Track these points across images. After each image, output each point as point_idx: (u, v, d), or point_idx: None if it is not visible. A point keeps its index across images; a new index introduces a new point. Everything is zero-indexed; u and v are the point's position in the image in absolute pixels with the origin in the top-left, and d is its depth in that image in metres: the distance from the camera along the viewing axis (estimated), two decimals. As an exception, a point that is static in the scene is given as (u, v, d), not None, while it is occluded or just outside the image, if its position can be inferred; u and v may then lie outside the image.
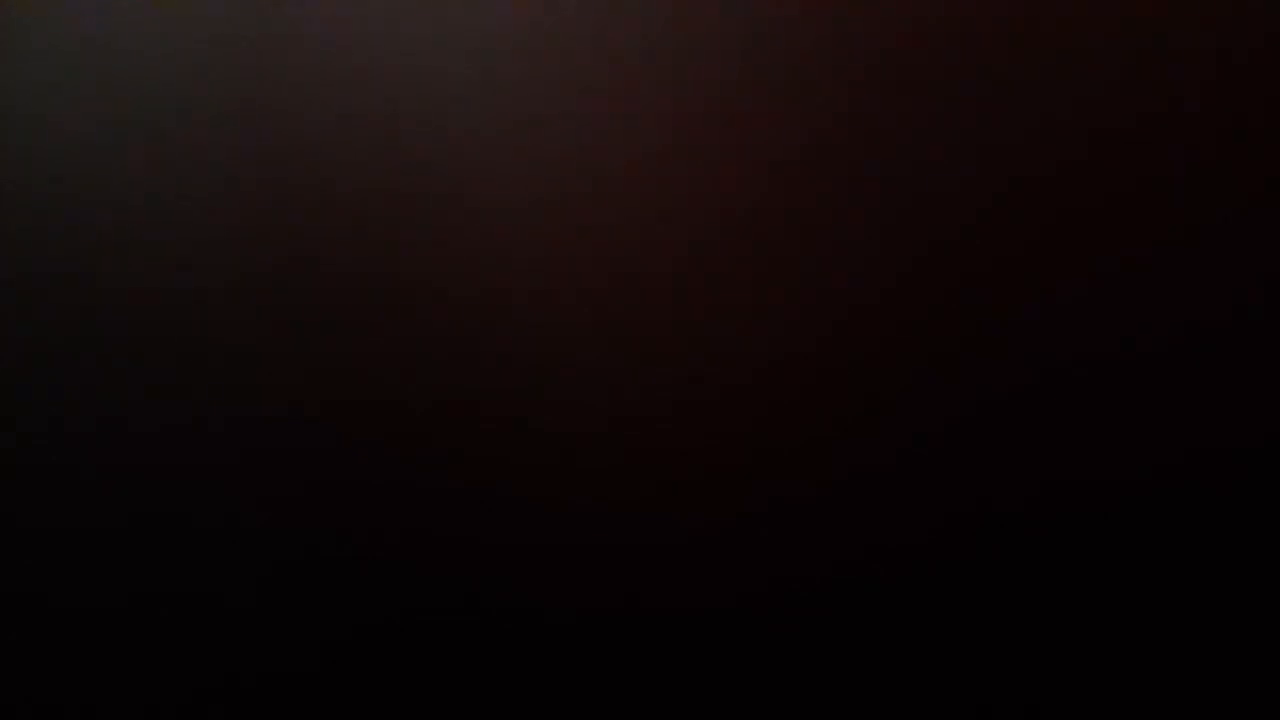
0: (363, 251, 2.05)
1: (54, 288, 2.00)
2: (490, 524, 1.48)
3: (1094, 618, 1.32)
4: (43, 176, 2.16)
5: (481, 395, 1.73)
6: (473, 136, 2.11)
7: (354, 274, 2.00)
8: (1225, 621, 1.31)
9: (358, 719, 1.21)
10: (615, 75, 2.04)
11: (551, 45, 1.96)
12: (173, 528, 1.50)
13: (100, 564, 1.46)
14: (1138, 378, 1.69)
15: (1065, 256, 1.80)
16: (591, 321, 1.88)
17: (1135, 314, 1.73)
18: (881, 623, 1.31)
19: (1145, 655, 1.26)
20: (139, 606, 1.37)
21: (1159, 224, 1.78)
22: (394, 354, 1.85)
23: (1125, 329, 1.73)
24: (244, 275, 1.96)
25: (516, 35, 2.00)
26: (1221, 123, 1.78)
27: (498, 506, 1.51)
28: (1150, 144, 1.82)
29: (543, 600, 1.35)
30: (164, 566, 1.44)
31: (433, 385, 1.77)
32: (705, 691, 1.23)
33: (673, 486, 1.54)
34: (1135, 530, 1.45)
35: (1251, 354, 1.68)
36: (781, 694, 1.25)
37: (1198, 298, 1.74)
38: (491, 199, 2.12)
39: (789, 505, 1.50)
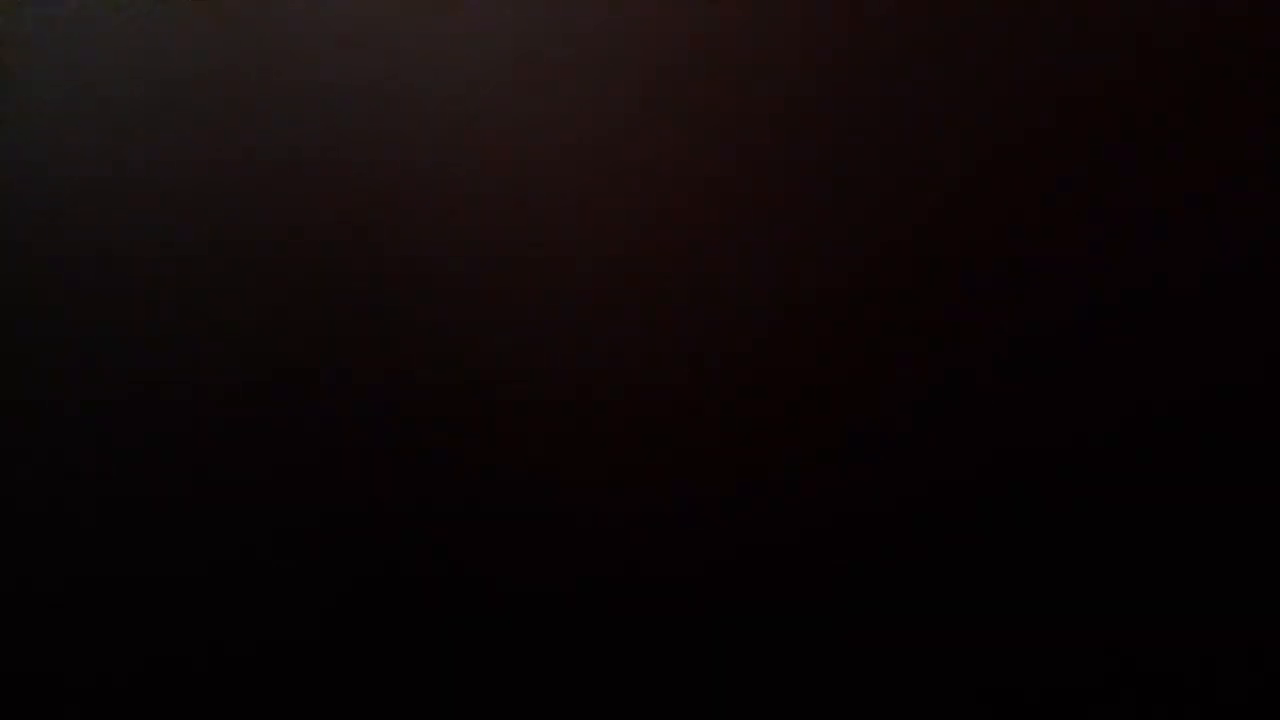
0: (355, 236, 2.06)
1: (50, 286, 2.00)
2: (478, 498, 1.48)
3: (1073, 610, 1.32)
4: (41, 174, 2.17)
5: (475, 376, 1.74)
6: (465, 126, 2.12)
7: (348, 256, 2.01)
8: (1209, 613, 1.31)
9: (344, 691, 1.21)
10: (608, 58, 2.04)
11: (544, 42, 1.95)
12: (150, 505, 1.49)
13: (83, 543, 1.44)
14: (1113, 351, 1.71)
15: (1060, 252, 1.82)
16: (576, 308, 1.88)
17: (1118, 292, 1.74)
18: (866, 605, 1.32)
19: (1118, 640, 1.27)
20: (115, 586, 1.36)
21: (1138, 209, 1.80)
22: (390, 336, 1.86)
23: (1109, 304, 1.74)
24: (234, 263, 1.97)
25: (505, 33, 1.99)
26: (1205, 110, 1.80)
27: (486, 481, 1.51)
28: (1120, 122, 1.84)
29: (531, 574, 1.35)
30: (143, 545, 1.43)
31: (423, 366, 1.77)
32: (691, 668, 1.23)
33: (663, 466, 1.54)
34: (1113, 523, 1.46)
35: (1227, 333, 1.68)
36: (765, 672, 1.25)
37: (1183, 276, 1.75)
38: (475, 183, 2.14)
39: (771, 480, 1.50)
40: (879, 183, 2.03)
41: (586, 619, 1.27)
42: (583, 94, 2.14)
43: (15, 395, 1.73)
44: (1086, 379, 1.65)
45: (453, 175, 2.24)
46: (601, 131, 2.18)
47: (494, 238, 2.09)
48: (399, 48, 2.48)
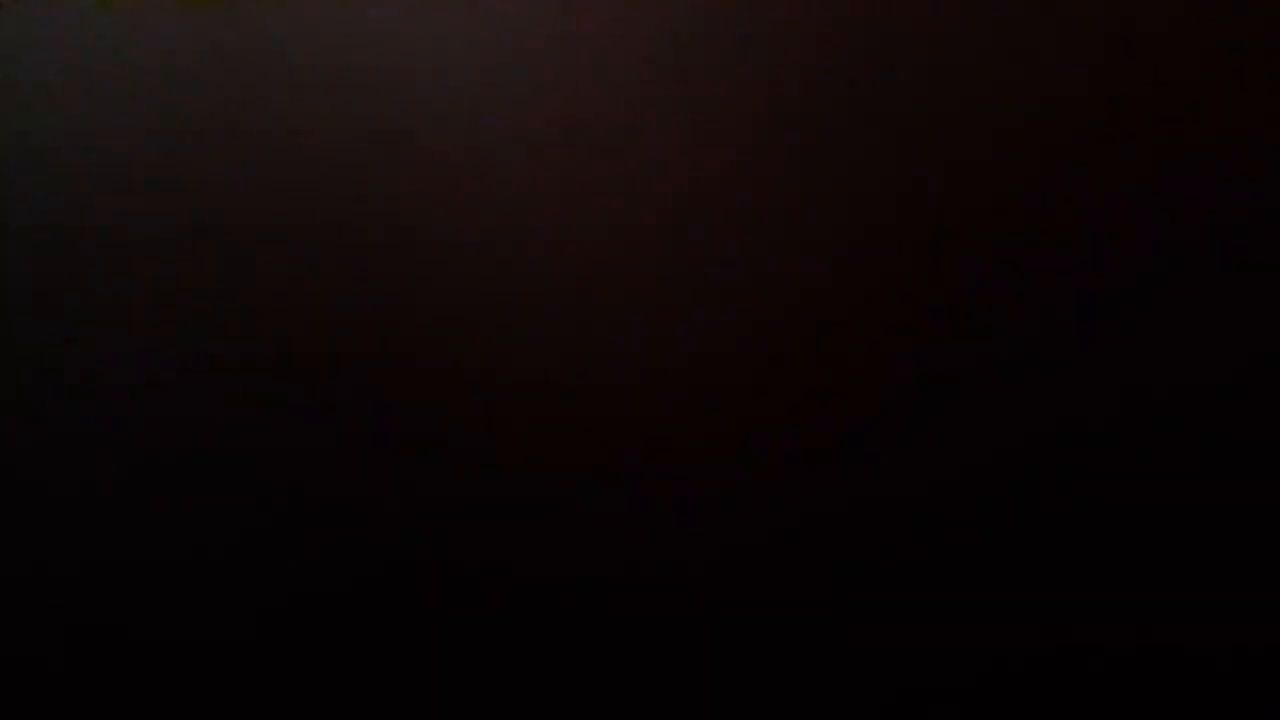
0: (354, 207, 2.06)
1: (49, 282, 2.00)
2: (477, 497, 1.48)
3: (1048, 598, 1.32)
4: (45, 171, 2.17)
5: (473, 366, 1.74)
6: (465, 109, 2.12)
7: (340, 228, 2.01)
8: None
9: (343, 688, 1.22)
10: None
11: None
12: (150, 503, 1.49)
13: (81, 540, 1.44)
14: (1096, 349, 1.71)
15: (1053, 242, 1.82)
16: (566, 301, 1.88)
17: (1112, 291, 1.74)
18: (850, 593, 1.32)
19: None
20: (113, 583, 1.36)
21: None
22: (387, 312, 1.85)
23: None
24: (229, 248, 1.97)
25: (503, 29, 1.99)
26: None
27: (486, 480, 1.51)
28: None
29: (531, 573, 1.35)
30: (142, 543, 1.43)
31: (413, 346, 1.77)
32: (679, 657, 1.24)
33: (663, 466, 1.54)
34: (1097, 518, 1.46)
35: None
36: (751, 661, 1.25)
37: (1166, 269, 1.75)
38: (476, 182, 2.14)
39: (758, 475, 1.51)
40: (879, 184, 2.03)
41: (586, 617, 1.27)
42: (583, 94, 2.14)
43: (14, 393, 1.73)
44: (1085, 378, 1.65)
45: (453, 174, 2.24)
46: (602, 132, 2.19)
47: (494, 237, 2.09)
48: (400, 46, 2.48)
